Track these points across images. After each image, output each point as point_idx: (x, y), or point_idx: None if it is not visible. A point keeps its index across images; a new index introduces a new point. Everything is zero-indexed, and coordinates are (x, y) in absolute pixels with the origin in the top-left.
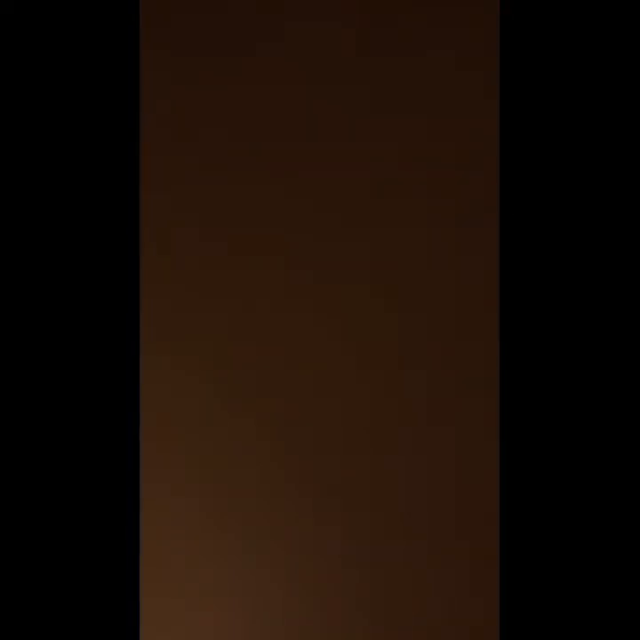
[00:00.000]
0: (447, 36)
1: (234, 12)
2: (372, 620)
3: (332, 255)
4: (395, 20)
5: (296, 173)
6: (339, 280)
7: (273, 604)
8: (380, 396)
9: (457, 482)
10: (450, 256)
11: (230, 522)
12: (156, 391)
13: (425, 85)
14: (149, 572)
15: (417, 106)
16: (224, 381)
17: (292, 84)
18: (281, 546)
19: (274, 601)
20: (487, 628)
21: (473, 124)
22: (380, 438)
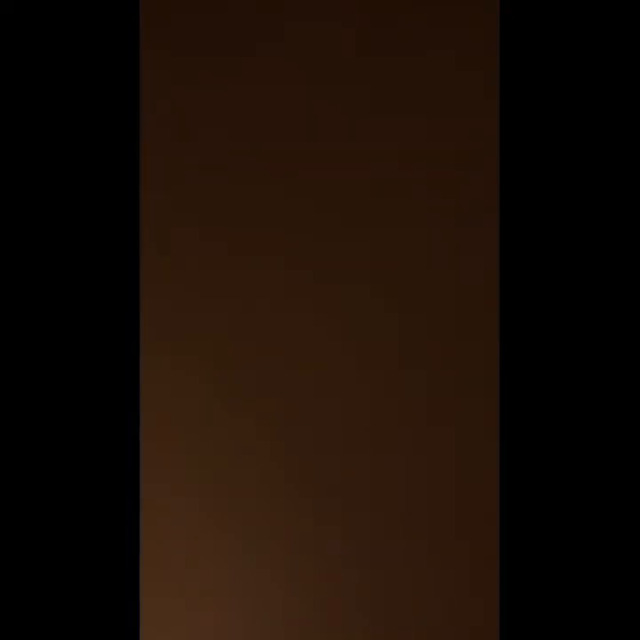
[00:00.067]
0: (447, 35)
1: (234, 12)
2: (371, 620)
3: (332, 255)
4: (395, 20)
5: (296, 173)
6: (339, 280)
7: (273, 604)
8: (380, 396)
9: (457, 482)
10: (450, 256)
11: (230, 522)
12: (155, 391)
13: (425, 85)
14: (149, 572)
15: (417, 106)
16: (224, 381)
17: (291, 84)
18: (281, 546)
19: (274, 601)
20: (487, 628)
21: (473, 124)
22: (379, 438)
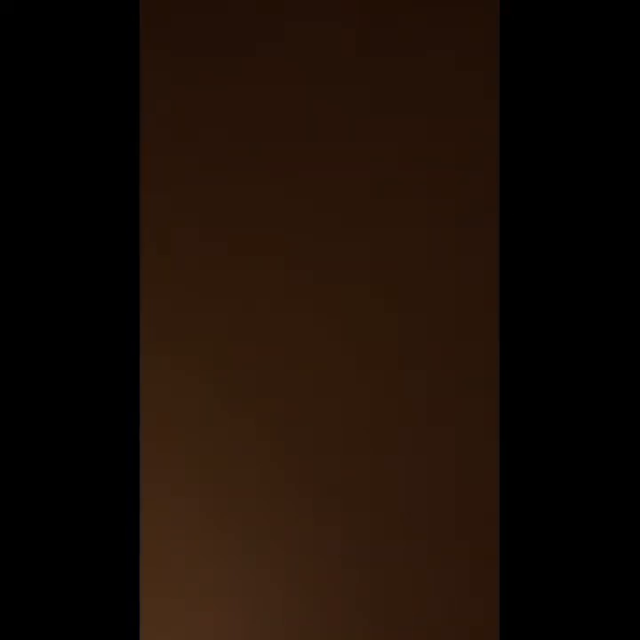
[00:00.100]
0: (447, 35)
1: (234, 12)
2: (372, 620)
3: (332, 255)
4: (395, 20)
5: (296, 173)
6: (339, 280)
7: (273, 604)
8: (380, 396)
9: (457, 482)
10: (450, 256)
11: (230, 522)
12: (155, 391)
13: (425, 85)
14: (149, 572)
15: (417, 106)
16: (224, 381)
17: (291, 84)
18: (281, 546)
19: (274, 601)
20: (487, 628)
21: (473, 124)
22: (379, 438)
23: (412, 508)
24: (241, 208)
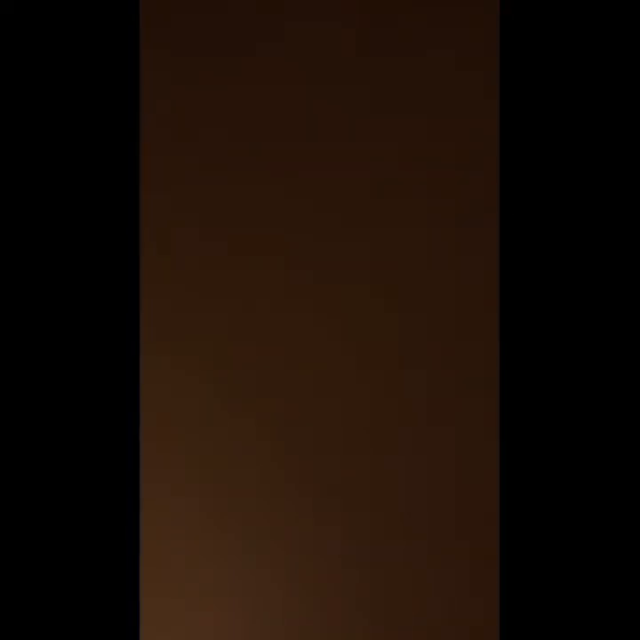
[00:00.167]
0: (447, 35)
1: (234, 11)
2: (372, 620)
3: (332, 255)
4: (395, 19)
5: (296, 173)
6: (339, 280)
7: (273, 604)
8: (380, 396)
9: (457, 482)
10: (450, 256)
11: (230, 522)
12: (155, 391)
13: (425, 85)
14: (149, 572)
15: (417, 106)
16: (224, 381)
17: (292, 84)
18: (281, 546)
19: (274, 601)
20: (487, 628)
21: (473, 124)
22: (380, 438)
23: (412, 507)
24: (241, 208)
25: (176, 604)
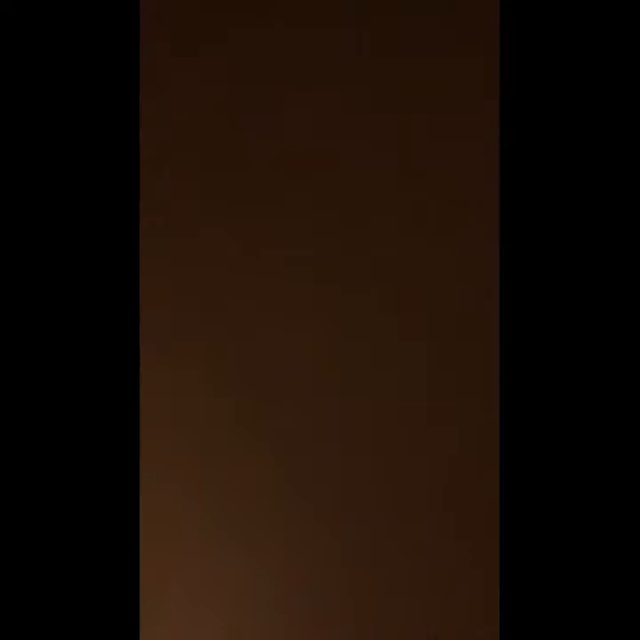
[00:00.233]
0: (447, 35)
1: (234, 11)
2: (372, 620)
3: (333, 255)
4: (395, 20)
5: (296, 174)
6: (339, 280)
7: (272, 604)
8: (380, 396)
9: (457, 482)
10: (450, 256)
11: (230, 522)
12: (156, 391)
13: (425, 86)
14: (149, 572)
15: (417, 106)
16: (224, 381)
17: (292, 84)
18: (281, 546)
19: (273, 601)
20: (487, 629)
21: (473, 124)
22: (380, 438)
23: (412, 507)
24: (241, 208)
25: (176, 604)
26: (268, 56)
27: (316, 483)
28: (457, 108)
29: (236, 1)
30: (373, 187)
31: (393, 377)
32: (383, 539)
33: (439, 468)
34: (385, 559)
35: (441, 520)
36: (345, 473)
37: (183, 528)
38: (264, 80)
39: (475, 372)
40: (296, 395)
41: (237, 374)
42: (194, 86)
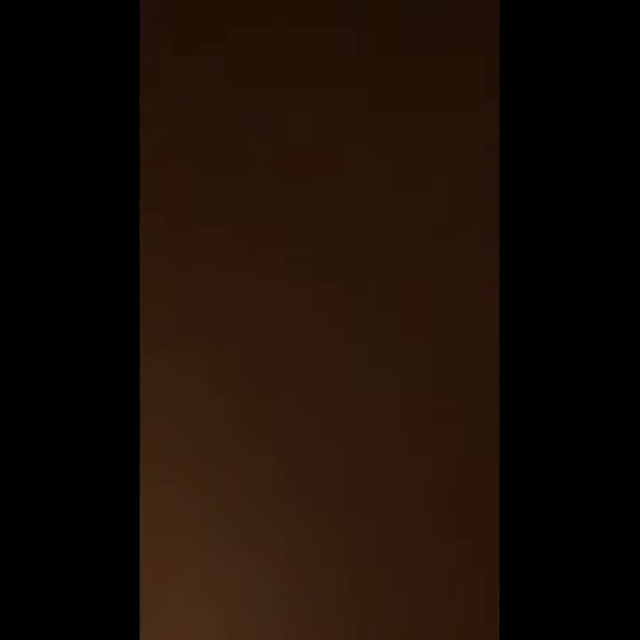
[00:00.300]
0: (447, 35)
1: (234, 11)
2: (372, 620)
3: (333, 255)
4: (395, 20)
5: (296, 174)
6: (339, 280)
7: (272, 605)
8: (380, 395)
9: (457, 482)
10: (450, 256)
11: (230, 522)
12: (155, 391)
13: (425, 85)
14: (149, 572)
15: (417, 106)
16: (224, 381)
17: (292, 84)
18: (281, 546)
19: (273, 601)
20: (487, 629)
21: (473, 124)
22: (380, 438)
23: (412, 507)
24: (241, 208)
25: (176, 603)
26: (268, 56)
27: (315, 483)
28: (457, 108)
29: (236, 1)
30: (373, 187)
31: (393, 377)
32: (383, 539)
33: (439, 468)
34: (385, 559)
35: (441, 520)
36: (345, 473)
37: (183, 528)
38: (264, 80)
39: (475, 372)
40: (296, 395)
41: (237, 374)
42: (194, 86)
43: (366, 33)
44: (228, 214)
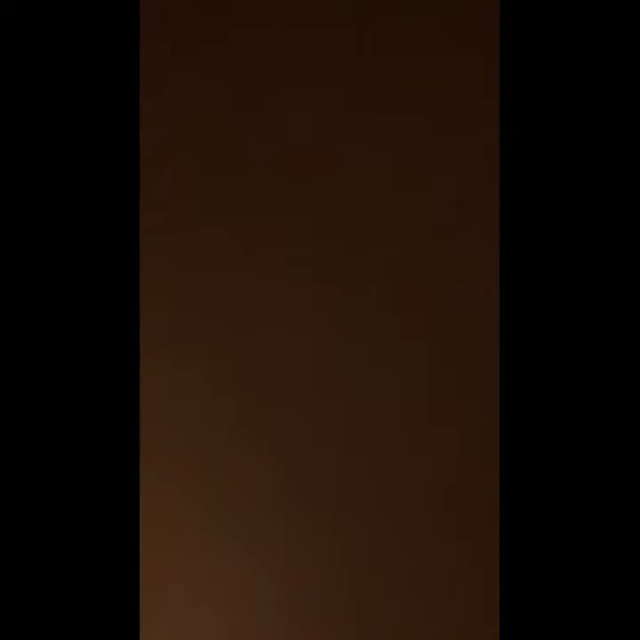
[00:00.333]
0: (447, 35)
1: (234, 11)
2: (372, 620)
3: (333, 255)
4: (395, 20)
5: (296, 174)
6: (339, 280)
7: (272, 605)
8: (380, 395)
9: (457, 482)
10: (450, 256)
11: (230, 522)
12: (155, 391)
13: (425, 85)
14: (149, 572)
15: (417, 106)
16: (224, 381)
17: (292, 84)
18: (281, 546)
19: (273, 601)
20: (487, 629)
21: (473, 124)
22: (380, 438)
23: (412, 507)
24: (241, 208)
25: (176, 604)
26: (268, 56)
27: (315, 483)
28: (457, 108)
29: (236, 1)
30: (373, 187)
31: (393, 377)
32: (383, 539)
33: (439, 468)
34: (385, 559)
35: (441, 520)
36: (345, 473)
37: (183, 528)
38: (264, 80)
39: (475, 372)
40: (296, 395)
41: (237, 374)
42: (194, 86)
43: (366, 33)
44: (228, 214)
